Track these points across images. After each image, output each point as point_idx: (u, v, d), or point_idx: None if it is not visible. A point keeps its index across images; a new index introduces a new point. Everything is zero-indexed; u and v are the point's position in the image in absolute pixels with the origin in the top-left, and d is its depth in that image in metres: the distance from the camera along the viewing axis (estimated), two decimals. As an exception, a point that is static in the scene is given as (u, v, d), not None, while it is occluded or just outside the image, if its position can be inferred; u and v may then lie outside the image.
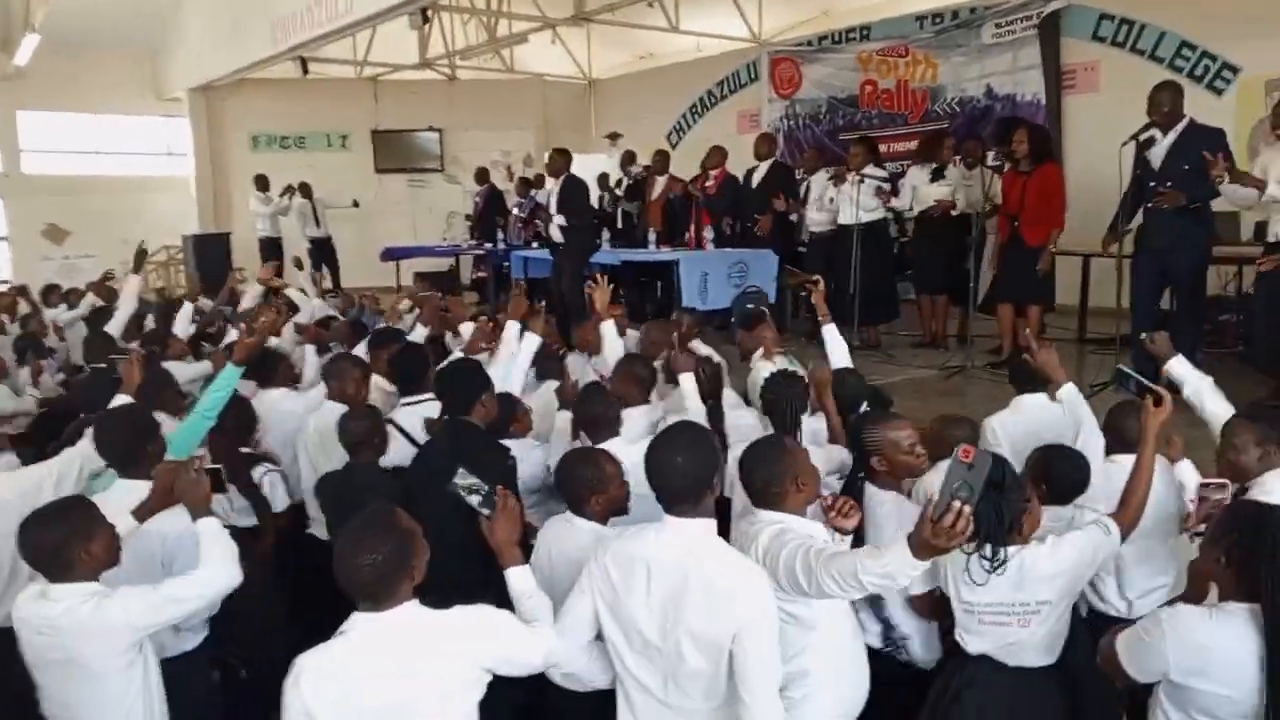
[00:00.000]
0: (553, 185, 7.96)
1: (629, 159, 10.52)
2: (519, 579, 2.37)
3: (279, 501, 3.84)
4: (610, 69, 14.75)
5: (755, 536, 2.40)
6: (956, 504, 1.96)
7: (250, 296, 6.66)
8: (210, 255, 11.95)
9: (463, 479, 2.42)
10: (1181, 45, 8.38)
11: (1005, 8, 9.39)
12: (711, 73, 12.81)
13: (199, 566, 2.54)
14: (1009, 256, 6.39)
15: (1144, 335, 3.63)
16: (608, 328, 4.51)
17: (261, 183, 12.08)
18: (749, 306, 5.11)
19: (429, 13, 9.80)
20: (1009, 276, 6.42)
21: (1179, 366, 3.35)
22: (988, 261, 7.04)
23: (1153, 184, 5.36)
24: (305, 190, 12.06)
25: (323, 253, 12.04)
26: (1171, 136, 5.27)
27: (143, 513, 2.74)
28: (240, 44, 12.06)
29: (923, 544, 2.02)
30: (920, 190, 7.43)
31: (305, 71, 11.83)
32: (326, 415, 3.96)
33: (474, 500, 2.41)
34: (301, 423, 4.12)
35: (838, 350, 4.06)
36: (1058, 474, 2.94)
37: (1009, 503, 2.46)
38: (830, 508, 2.55)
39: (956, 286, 7.37)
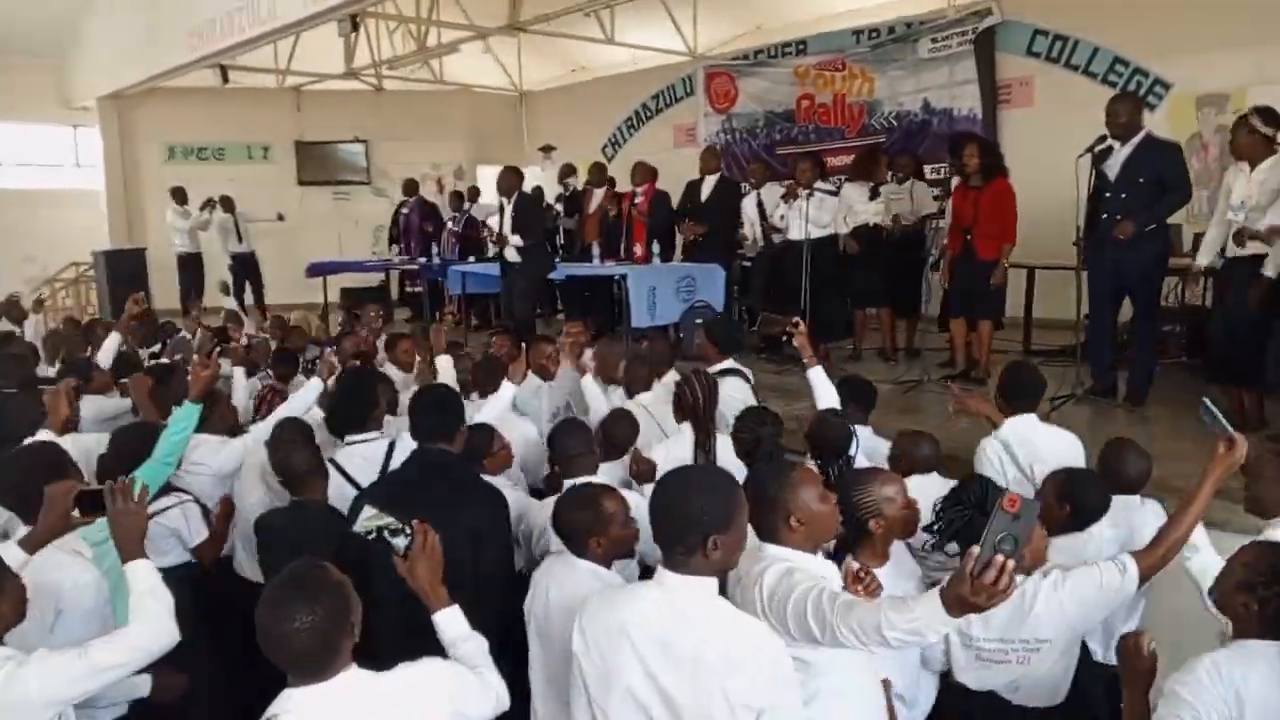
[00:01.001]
0: (503, 203, 7.68)
1: (567, 172, 10.32)
2: (449, 623, 2.12)
3: (193, 534, 3.51)
4: (541, 81, 14.52)
5: (760, 576, 2.18)
6: (1000, 558, 1.78)
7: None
8: (124, 272, 11.33)
9: (372, 519, 2.14)
10: (1115, 61, 8.52)
11: (941, 23, 9.45)
12: (646, 86, 12.68)
13: (130, 622, 2.18)
14: (961, 271, 6.35)
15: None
16: (588, 383, 4.44)
17: (179, 195, 11.53)
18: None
19: (358, 20, 9.44)
20: (961, 291, 6.38)
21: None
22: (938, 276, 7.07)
23: (1108, 194, 5.38)
24: (227, 204, 11.54)
25: (246, 269, 11.54)
26: (1128, 149, 5.28)
27: (34, 541, 2.41)
28: (155, 50, 11.52)
29: (958, 600, 1.84)
30: (856, 207, 7.42)
31: (225, 80, 11.33)
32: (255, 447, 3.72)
33: (391, 540, 2.12)
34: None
35: (824, 394, 3.86)
36: (1083, 496, 2.83)
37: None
38: (855, 579, 2.38)
39: (897, 300, 7.38)
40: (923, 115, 9.76)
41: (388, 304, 11.97)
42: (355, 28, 9.44)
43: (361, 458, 3.50)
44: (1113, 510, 3.03)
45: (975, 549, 1.85)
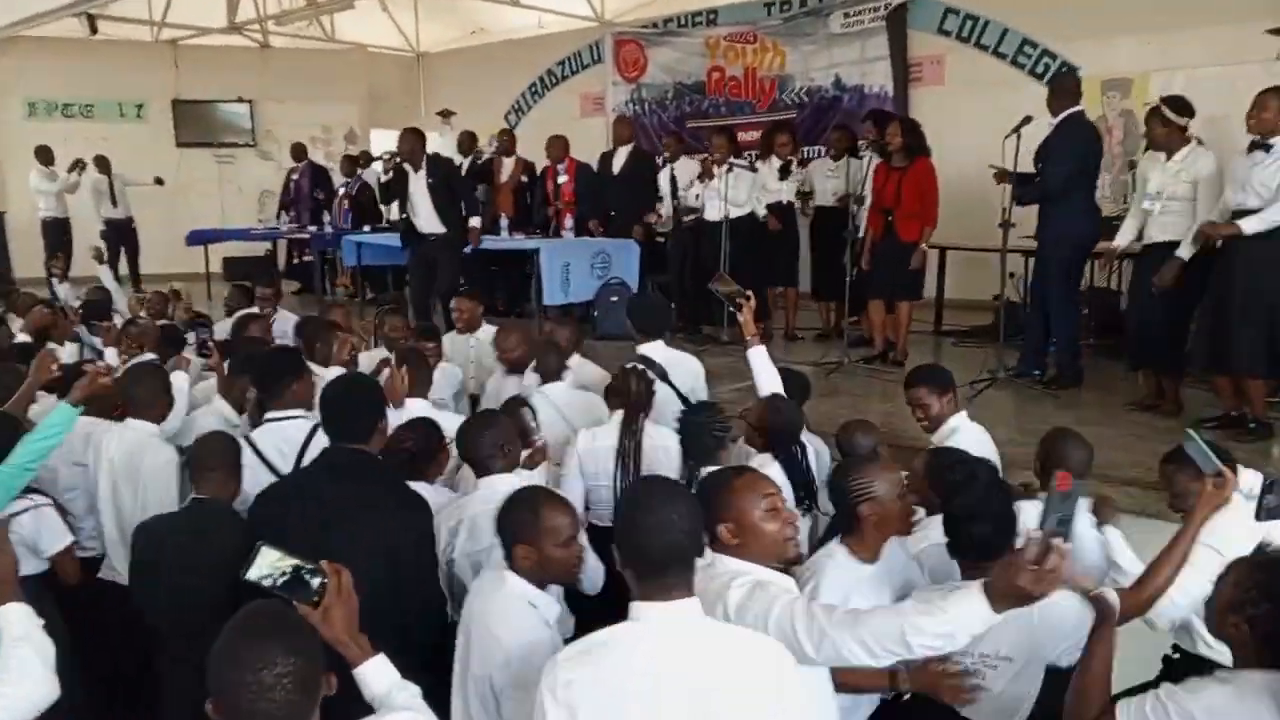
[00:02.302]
0: (405, 168, 7.18)
1: (469, 140, 9.86)
2: (377, 675, 1.77)
3: (53, 540, 3.09)
4: (440, 43, 13.92)
5: (722, 592, 1.95)
6: (1057, 542, 1.67)
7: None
8: (-19, 238, 10.41)
9: (278, 560, 1.73)
10: (1023, 43, 8.58)
11: (853, -3, 9.37)
12: (552, 52, 12.26)
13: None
14: (882, 252, 6.27)
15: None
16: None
17: (45, 155, 10.58)
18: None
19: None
20: (881, 273, 6.30)
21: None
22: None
23: (1035, 177, 5.38)
24: (102, 164, 10.66)
25: (121, 236, 10.69)
26: (1050, 129, 5.29)
27: None
28: (14, -6, 10.50)
29: (1011, 592, 1.69)
30: (769, 185, 7.28)
31: (94, 31, 10.40)
32: (130, 437, 3.30)
33: (305, 583, 1.72)
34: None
35: (766, 376, 3.54)
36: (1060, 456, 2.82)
37: (982, 526, 2.26)
38: None
39: (821, 281, 7.29)
40: (834, 91, 9.67)
41: (275, 275, 11.35)
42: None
43: (281, 439, 3.12)
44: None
45: (1033, 532, 1.71)
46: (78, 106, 12.76)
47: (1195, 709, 1.86)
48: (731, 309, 3.61)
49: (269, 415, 3.25)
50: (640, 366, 3.81)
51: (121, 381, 3.45)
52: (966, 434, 3.47)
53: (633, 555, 1.75)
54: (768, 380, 3.52)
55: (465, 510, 2.78)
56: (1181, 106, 4.85)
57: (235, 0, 11.10)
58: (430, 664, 2.23)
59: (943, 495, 2.52)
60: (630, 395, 3.47)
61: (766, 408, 3.27)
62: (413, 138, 7.12)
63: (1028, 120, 5.30)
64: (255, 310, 6.04)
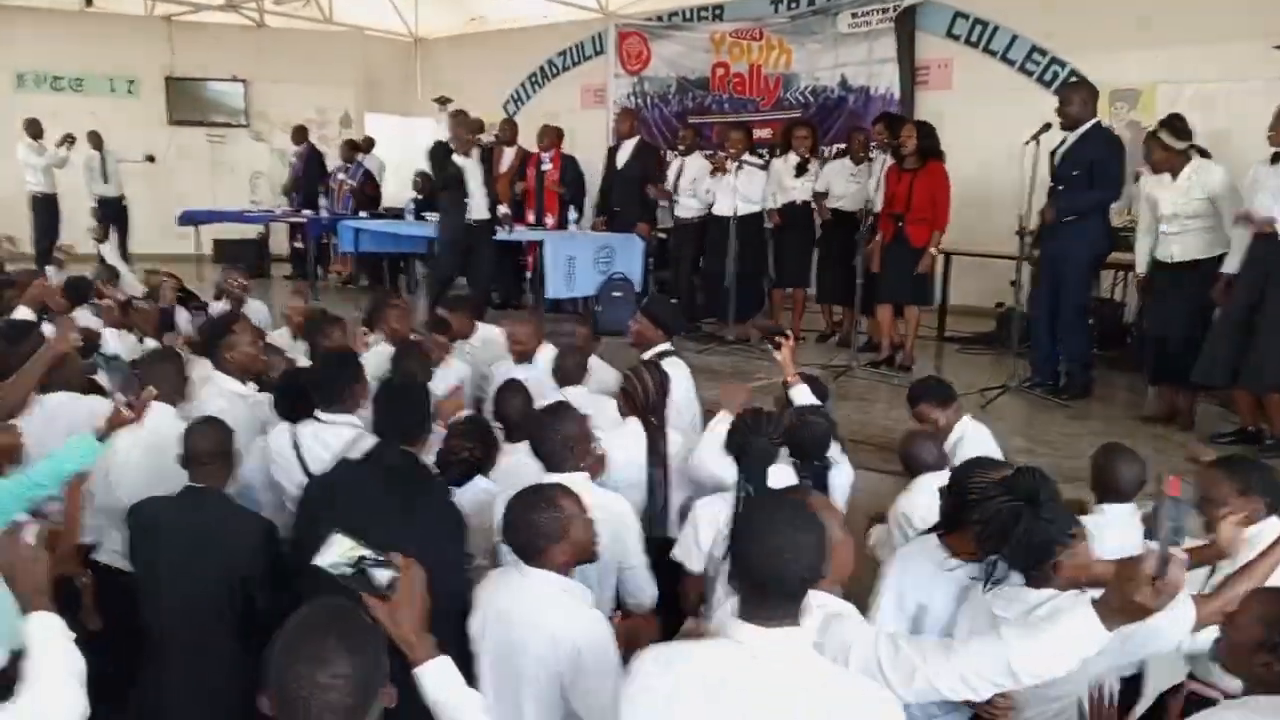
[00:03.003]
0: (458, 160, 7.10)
1: (478, 127, 9.71)
2: (439, 679, 1.72)
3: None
4: (438, 29, 13.76)
5: None
6: (1175, 552, 1.60)
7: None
8: (-35, 212, 10.18)
9: (350, 549, 1.67)
10: (1032, 49, 8.55)
11: (862, -2, 9.31)
12: (553, 42, 12.12)
13: (20, 694, 1.69)
14: (892, 256, 6.22)
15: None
16: None
17: (34, 128, 10.34)
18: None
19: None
20: (890, 277, 6.25)
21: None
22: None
23: (1050, 184, 5.33)
24: (95, 140, 10.46)
25: (112, 214, 10.50)
26: (1073, 139, 5.25)
27: None
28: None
29: (1128, 609, 1.62)
30: (785, 183, 7.20)
31: (89, 2, 10.18)
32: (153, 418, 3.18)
33: (370, 576, 1.67)
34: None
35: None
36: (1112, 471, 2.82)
37: (1039, 521, 2.09)
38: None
39: (833, 285, 7.21)
40: (840, 91, 9.60)
41: (265, 259, 11.20)
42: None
43: (323, 443, 3.01)
44: (1106, 523, 2.90)
45: (1152, 545, 1.63)
46: (68, 80, 12.51)
47: None
48: (769, 347, 3.51)
49: (319, 414, 3.14)
50: (646, 359, 3.75)
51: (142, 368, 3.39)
52: (972, 440, 3.49)
53: (740, 574, 1.67)
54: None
55: None
56: (1180, 130, 4.83)
57: (233, -23, 10.95)
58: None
59: (958, 508, 2.44)
60: (641, 397, 3.38)
61: (796, 420, 3.17)
62: (474, 123, 7.19)
63: (1047, 127, 5.26)
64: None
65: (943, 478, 3.24)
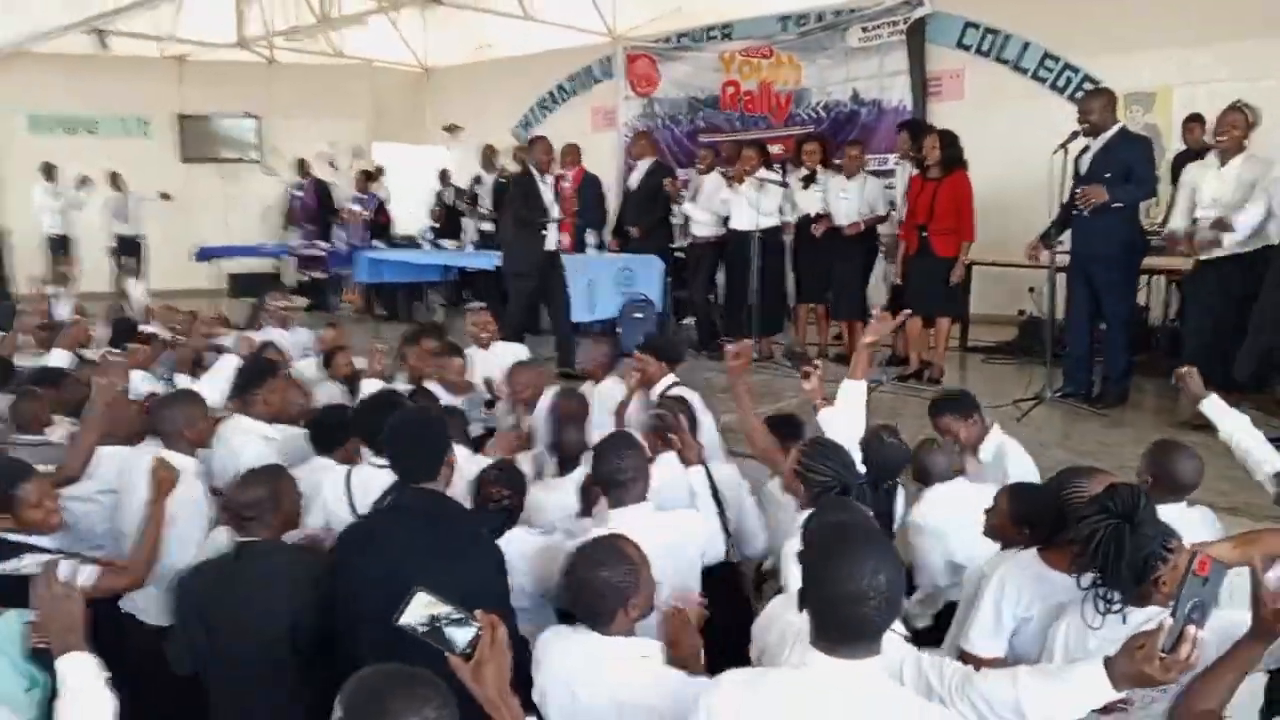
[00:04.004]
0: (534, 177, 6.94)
1: (491, 155, 9.77)
2: None
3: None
4: (447, 58, 13.84)
5: None
6: (1192, 630, 1.59)
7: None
8: (-18, 255, 10.26)
9: (427, 606, 1.60)
10: (1045, 56, 8.53)
11: (871, 12, 9.29)
12: (562, 66, 12.18)
13: None
14: (918, 268, 6.17)
15: (1178, 371, 3.34)
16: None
17: (49, 171, 10.44)
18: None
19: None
20: (917, 288, 6.20)
21: (1212, 407, 3.10)
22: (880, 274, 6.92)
23: (1075, 191, 5.28)
24: (116, 181, 10.54)
25: (129, 252, 10.56)
26: (1099, 144, 5.20)
27: None
28: (22, 10, 10.38)
29: (1135, 676, 1.61)
30: (796, 197, 7.17)
31: (105, 45, 10.28)
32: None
33: (447, 635, 1.61)
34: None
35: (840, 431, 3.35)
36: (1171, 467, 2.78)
37: (1138, 539, 2.05)
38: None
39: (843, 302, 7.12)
40: (852, 105, 9.60)
41: (284, 290, 11.21)
42: (256, -8, 8.66)
43: (375, 486, 2.89)
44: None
45: (1166, 620, 1.63)
46: (81, 122, 12.62)
47: None
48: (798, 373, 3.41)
49: (370, 459, 3.10)
50: (673, 395, 3.69)
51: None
52: (1014, 453, 3.46)
53: (817, 609, 1.61)
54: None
55: None
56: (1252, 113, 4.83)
57: (244, 15, 11.02)
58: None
59: (1056, 524, 2.40)
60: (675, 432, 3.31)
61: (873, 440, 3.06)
62: (550, 146, 7.04)
63: (1075, 135, 5.22)
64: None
65: (956, 487, 3.24)
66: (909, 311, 3.75)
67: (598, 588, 2.07)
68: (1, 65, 11.91)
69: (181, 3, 10.65)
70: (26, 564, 2.44)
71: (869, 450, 2.94)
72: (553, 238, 6.85)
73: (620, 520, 2.67)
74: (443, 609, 1.59)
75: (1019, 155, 5.48)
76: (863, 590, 1.54)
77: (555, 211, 6.84)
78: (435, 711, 1.40)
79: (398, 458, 2.53)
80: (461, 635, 1.59)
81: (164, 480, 2.93)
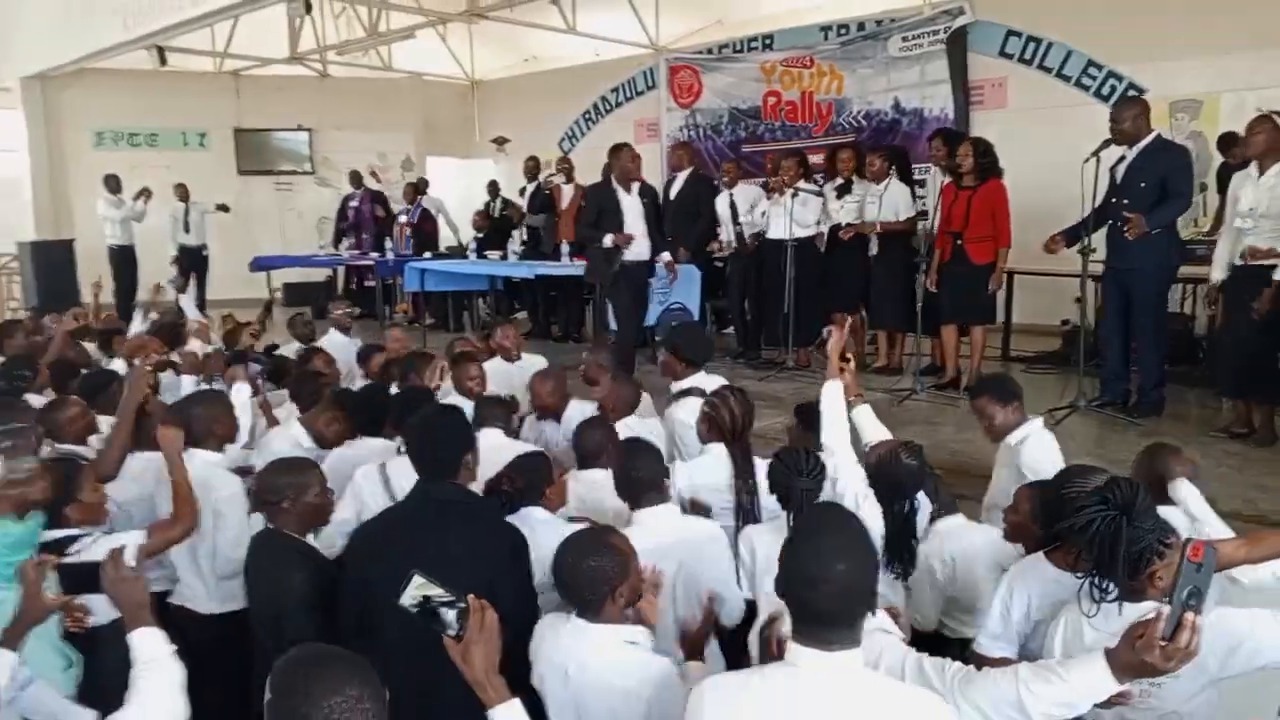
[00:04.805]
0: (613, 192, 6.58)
1: (534, 167, 9.94)
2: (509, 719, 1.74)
3: None
4: (494, 71, 14.09)
5: None
6: (1190, 616, 1.61)
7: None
8: (51, 264, 10.67)
9: (420, 588, 1.73)
10: (1088, 64, 8.47)
11: (911, 21, 9.32)
12: (606, 79, 12.36)
13: (128, 703, 1.85)
14: (953, 275, 6.17)
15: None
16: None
17: (112, 184, 10.84)
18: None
19: (310, 1, 8.96)
20: (953, 296, 6.20)
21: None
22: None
23: (1113, 200, 5.26)
24: (182, 193, 10.97)
25: (193, 262, 10.92)
26: (1134, 154, 5.18)
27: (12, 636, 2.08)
28: (85, 29, 10.82)
29: (1136, 666, 1.63)
30: (829, 207, 7.18)
31: (163, 62, 10.67)
32: (196, 470, 3.19)
33: (441, 616, 1.73)
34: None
35: (872, 434, 3.29)
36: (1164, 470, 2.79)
37: (1134, 532, 2.08)
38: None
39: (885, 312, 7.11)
40: (893, 114, 9.61)
41: (333, 300, 11.44)
42: (309, 9, 8.93)
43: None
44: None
45: (1164, 608, 1.66)
46: (143, 135, 13.08)
47: None
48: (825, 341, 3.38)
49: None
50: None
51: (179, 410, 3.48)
52: (1038, 440, 3.36)
53: (794, 600, 1.68)
54: (872, 436, 3.32)
55: None
56: None
57: (297, 31, 11.34)
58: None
59: (1052, 520, 2.44)
60: (732, 423, 3.36)
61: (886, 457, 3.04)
62: (636, 154, 6.66)
63: (1108, 143, 5.21)
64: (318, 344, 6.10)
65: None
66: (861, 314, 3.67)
67: (586, 577, 2.16)
68: (67, 83, 12.43)
69: (237, 20, 11.02)
70: (93, 549, 2.61)
71: (884, 467, 2.95)
72: (639, 247, 6.49)
73: (645, 518, 2.79)
74: (435, 591, 1.71)
75: (1062, 163, 5.45)
76: (817, 575, 1.61)
77: (638, 224, 6.43)
78: (357, 689, 1.46)
79: (417, 455, 2.64)
80: (452, 617, 1.71)
81: (169, 437, 3.05)
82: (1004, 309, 7.49)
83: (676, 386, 4.20)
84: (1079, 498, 2.24)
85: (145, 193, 10.81)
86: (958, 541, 3.01)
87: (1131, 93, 8.25)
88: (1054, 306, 7.70)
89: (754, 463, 3.29)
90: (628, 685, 2.10)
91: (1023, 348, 7.63)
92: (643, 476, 2.85)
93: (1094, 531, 2.10)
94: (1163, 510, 2.88)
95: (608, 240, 6.32)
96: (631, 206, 6.45)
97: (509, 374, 5.10)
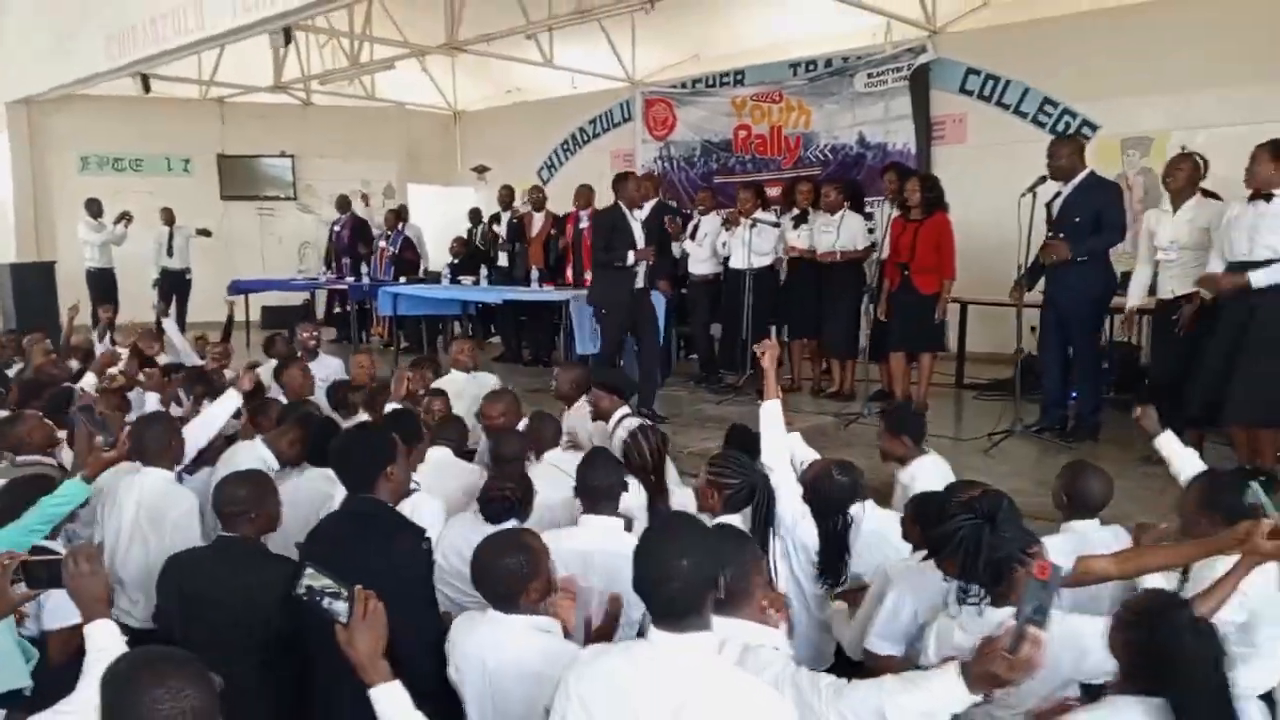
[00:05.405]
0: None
1: (507, 196, 10.15)
2: (389, 699, 1.89)
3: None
4: (476, 101, 14.35)
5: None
6: (1033, 631, 1.73)
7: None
8: (32, 287, 10.78)
9: (312, 579, 1.91)
10: (1044, 101, 8.73)
11: (876, 59, 9.58)
12: (584, 110, 12.61)
13: (80, 687, 1.97)
14: (901, 304, 6.38)
15: (1135, 411, 3.53)
16: None
17: (93, 208, 11.00)
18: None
19: (291, 33, 9.18)
20: (902, 324, 6.40)
21: (1165, 444, 3.26)
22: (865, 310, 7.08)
23: (1050, 234, 5.47)
24: (168, 217, 11.17)
25: (174, 285, 11.07)
26: (1069, 189, 5.40)
27: None
28: (71, 56, 11.02)
29: (986, 677, 1.76)
30: (787, 235, 7.40)
31: (147, 89, 10.87)
32: (149, 485, 3.46)
33: (329, 605, 1.90)
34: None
35: (801, 452, 3.60)
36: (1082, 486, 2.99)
37: (996, 539, 2.25)
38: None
39: (830, 339, 7.29)
40: (858, 149, 9.87)
41: (315, 323, 11.63)
42: (288, 40, 9.14)
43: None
44: (1071, 535, 3.06)
45: (1009, 622, 1.80)
46: (128, 161, 13.25)
47: None
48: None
49: None
50: (646, 425, 3.92)
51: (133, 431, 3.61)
52: (925, 469, 3.71)
53: (647, 594, 1.86)
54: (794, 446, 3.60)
55: (565, 544, 2.87)
56: (1205, 162, 5.02)
57: (281, 60, 11.56)
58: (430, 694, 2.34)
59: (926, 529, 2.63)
60: (641, 459, 3.56)
61: (820, 473, 3.27)
62: (641, 181, 6.83)
63: (1043, 180, 5.43)
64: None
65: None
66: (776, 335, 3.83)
67: (501, 573, 2.35)
68: (53, 108, 12.62)
69: (222, 48, 11.24)
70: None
71: (818, 484, 3.14)
72: (642, 274, 6.56)
73: (592, 524, 2.99)
74: (324, 582, 1.88)
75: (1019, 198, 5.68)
76: (664, 572, 1.79)
77: (641, 245, 6.49)
78: (178, 682, 1.57)
79: (340, 471, 2.86)
80: (340, 606, 1.88)
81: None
82: (957, 338, 7.71)
83: (613, 419, 4.44)
84: (951, 507, 2.41)
85: (126, 217, 10.96)
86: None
87: (1086, 129, 8.54)
88: (1010, 336, 7.87)
89: (668, 491, 3.47)
90: (540, 669, 2.26)
91: (978, 375, 7.82)
92: (598, 485, 3.04)
93: (959, 539, 2.27)
94: (1072, 525, 3.10)
95: (630, 257, 6.39)
96: (639, 229, 6.58)
97: (463, 386, 5.54)
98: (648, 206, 8.26)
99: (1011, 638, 1.73)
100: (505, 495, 3.21)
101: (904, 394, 6.53)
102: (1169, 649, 1.92)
